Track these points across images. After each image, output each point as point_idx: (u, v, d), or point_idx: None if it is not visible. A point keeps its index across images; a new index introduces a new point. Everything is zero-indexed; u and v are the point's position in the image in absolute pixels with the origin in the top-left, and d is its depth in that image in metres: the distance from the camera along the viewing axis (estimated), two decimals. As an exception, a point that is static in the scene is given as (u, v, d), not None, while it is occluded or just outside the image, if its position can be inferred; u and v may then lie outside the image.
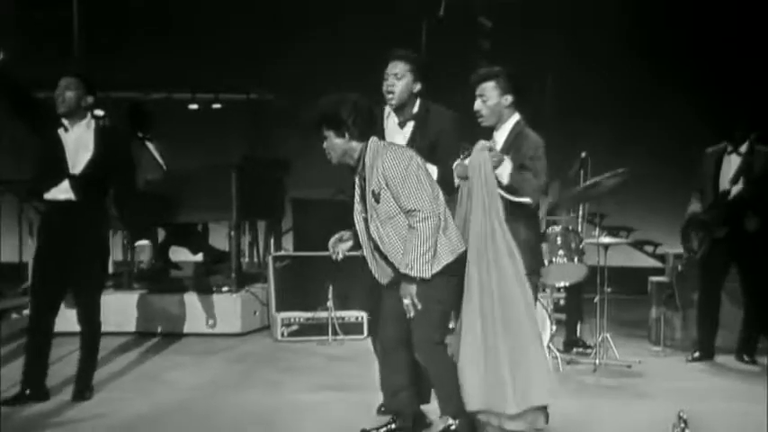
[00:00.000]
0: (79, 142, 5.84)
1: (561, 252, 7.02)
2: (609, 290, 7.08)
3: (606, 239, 7.11)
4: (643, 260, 11.18)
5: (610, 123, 11.04)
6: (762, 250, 7.08)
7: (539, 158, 5.02)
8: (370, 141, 4.74)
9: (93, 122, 5.94)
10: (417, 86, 5.18)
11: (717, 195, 7.21)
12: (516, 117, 5.12)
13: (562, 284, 7.19)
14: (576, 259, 7.02)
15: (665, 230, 10.74)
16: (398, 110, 5.25)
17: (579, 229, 7.41)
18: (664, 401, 5.91)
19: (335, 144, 4.72)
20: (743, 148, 7.15)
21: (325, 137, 4.73)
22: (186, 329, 8.26)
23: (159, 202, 8.39)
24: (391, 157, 4.67)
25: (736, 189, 7.12)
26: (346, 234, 5.01)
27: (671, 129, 10.82)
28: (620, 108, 11.23)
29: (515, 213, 4.94)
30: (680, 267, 7.79)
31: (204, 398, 6.08)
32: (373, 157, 4.71)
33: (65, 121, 5.86)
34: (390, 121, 5.29)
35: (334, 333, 8.03)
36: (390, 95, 5.17)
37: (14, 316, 9.46)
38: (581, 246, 7.08)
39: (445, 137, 5.15)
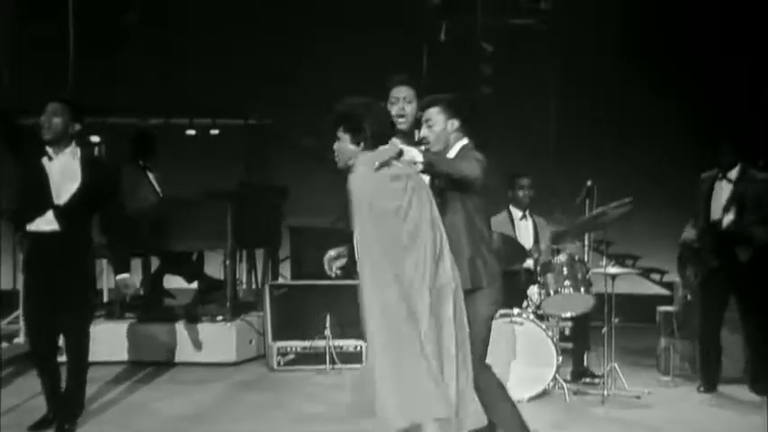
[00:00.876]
0: (65, 172, 5.68)
1: (567, 282, 6.89)
2: (616, 320, 6.89)
3: (613, 269, 6.93)
4: (650, 287, 11.00)
5: (615, 151, 10.91)
6: (758, 281, 6.87)
7: (464, 157, 4.84)
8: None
9: (78, 151, 5.77)
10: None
11: (707, 223, 7.04)
12: (464, 141, 4.96)
13: (567, 315, 6.99)
14: (582, 290, 6.87)
15: (672, 258, 10.55)
16: (408, 134, 5.08)
17: (585, 258, 7.24)
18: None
19: (347, 149, 4.55)
20: (732, 175, 6.95)
21: (338, 138, 4.57)
22: (180, 359, 8.07)
23: (153, 229, 8.27)
24: None
25: (728, 218, 6.92)
26: (342, 250, 4.89)
27: (676, 154, 10.68)
28: (625, 135, 11.09)
29: (456, 226, 4.76)
30: (688, 297, 7.59)
31: (192, 429, 5.93)
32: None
33: (49, 150, 5.69)
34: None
35: (332, 362, 7.84)
36: (402, 119, 5.06)
37: (4, 345, 9.30)
38: (587, 276, 6.93)
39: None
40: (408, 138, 5.05)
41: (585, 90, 10.89)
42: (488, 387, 4.75)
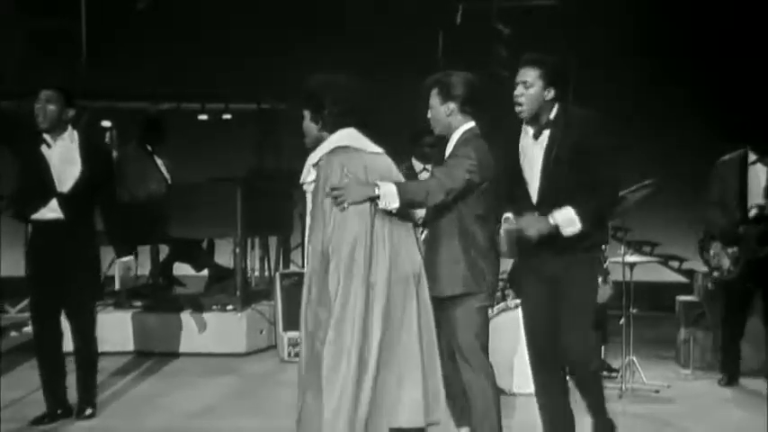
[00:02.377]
0: (64, 158, 5.66)
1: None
2: (634, 310, 6.73)
3: (632, 258, 6.75)
4: (669, 276, 10.85)
5: (633, 136, 10.71)
6: None
7: (455, 156, 4.64)
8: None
9: (76, 135, 5.75)
10: (551, 93, 4.59)
11: (745, 210, 6.83)
12: (467, 126, 4.72)
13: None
14: (600, 279, 6.63)
15: (691, 245, 10.38)
16: (532, 120, 4.71)
17: (603, 246, 7.04)
18: (696, 430, 5.60)
19: (309, 128, 4.43)
20: None
21: (302, 115, 4.46)
22: (188, 349, 7.95)
23: (161, 215, 8.16)
24: None
25: None
26: None
27: (695, 139, 10.50)
28: (642, 118, 10.90)
29: (434, 233, 4.67)
30: (710, 286, 7.39)
31: (201, 423, 5.84)
32: None
33: (47, 137, 5.66)
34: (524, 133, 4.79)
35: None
36: (519, 106, 4.62)
37: (13, 334, 9.24)
38: (605, 265, 6.73)
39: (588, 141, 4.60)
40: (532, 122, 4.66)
41: (601, 73, 10.71)
42: (481, 391, 4.66)
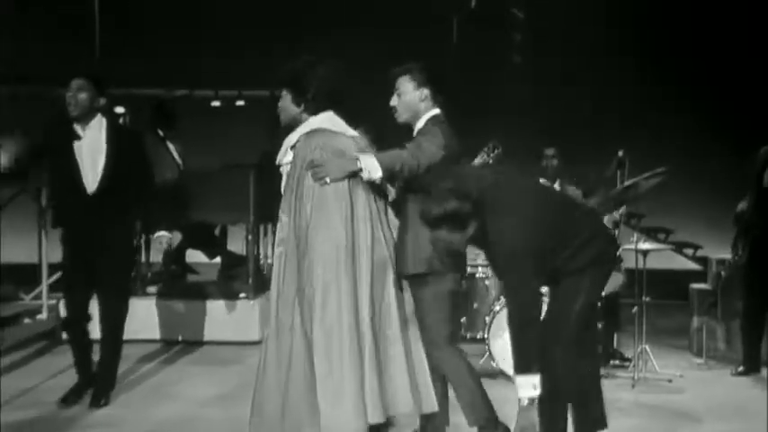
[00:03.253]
0: (93, 149, 5.72)
1: (597, 259, 6.60)
2: (647, 299, 6.68)
3: (645, 245, 6.70)
4: (683, 263, 10.78)
5: (648, 120, 10.67)
6: None
7: (423, 134, 4.67)
8: None
9: (104, 122, 5.80)
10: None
11: (759, 193, 6.83)
12: (433, 112, 4.77)
13: (597, 294, 6.77)
14: (612, 267, 6.60)
15: (706, 232, 10.34)
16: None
17: (616, 233, 7.00)
18: (709, 422, 5.57)
19: (288, 107, 4.48)
20: None
21: (280, 96, 4.53)
22: (201, 337, 7.97)
23: (173, 201, 8.15)
24: None
25: None
26: None
27: (711, 125, 10.43)
28: (658, 104, 10.84)
29: (402, 214, 4.69)
30: (723, 273, 7.36)
31: (212, 412, 5.84)
32: None
33: (77, 127, 5.72)
34: None
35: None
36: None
37: (27, 321, 9.27)
38: (618, 252, 6.66)
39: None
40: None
41: (617, 59, 10.65)
42: (454, 367, 4.66)
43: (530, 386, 4.04)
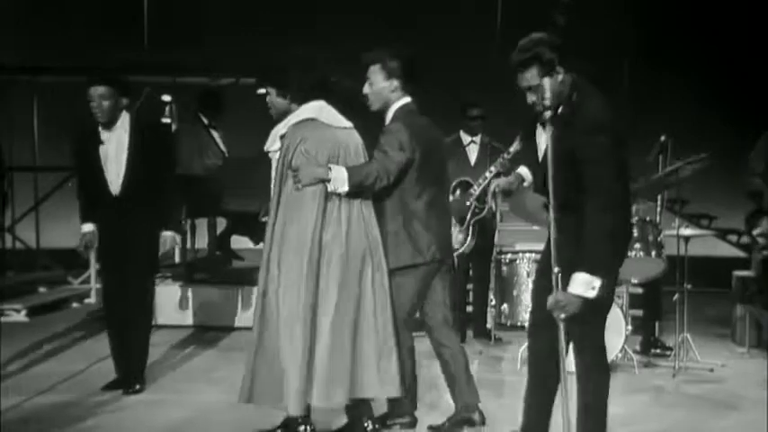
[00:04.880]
0: (118, 150, 5.80)
1: (638, 245, 6.58)
2: (689, 286, 6.61)
3: (687, 231, 6.62)
4: (726, 250, 10.64)
5: (691, 104, 10.53)
6: None
7: (385, 133, 4.73)
8: None
9: (128, 119, 5.85)
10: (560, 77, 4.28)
11: None
12: (403, 101, 4.82)
13: (637, 281, 6.74)
14: (653, 253, 6.57)
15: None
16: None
17: (657, 219, 6.95)
18: (750, 411, 5.49)
19: (276, 102, 4.74)
20: None
21: (267, 93, 4.75)
22: (243, 323, 7.95)
23: (218, 189, 8.24)
24: None
25: None
26: None
27: (755, 109, 10.25)
28: (701, 88, 10.69)
29: (379, 210, 4.81)
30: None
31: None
32: None
33: (102, 132, 5.80)
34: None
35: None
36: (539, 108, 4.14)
37: (75, 305, 9.45)
38: (659, 238, 6.63)
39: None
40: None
41: (661, 41, 10.52)
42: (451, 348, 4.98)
43: (587, 284, 3.90)
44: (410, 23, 10.53)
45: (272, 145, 4.70)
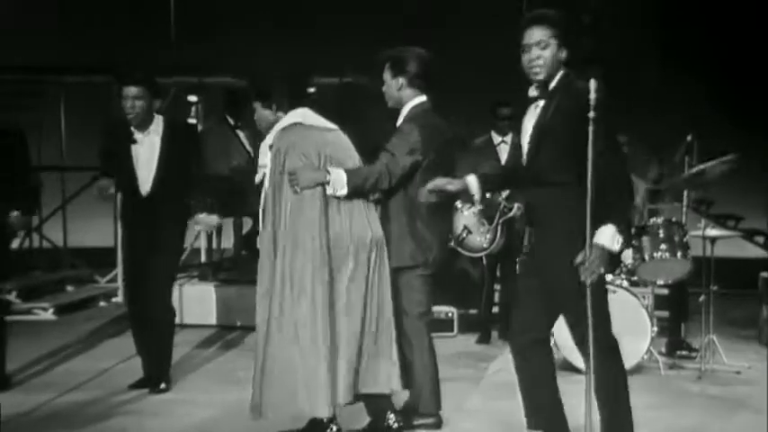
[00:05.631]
0: (149, 151, 5.84)
1: (663, 246, 6.53)
2: (715, 287, 6.56)
3: (713, 232, 6.57)
4: (753, 251, 10.55)
5: (717, 104, 10.44)
6: None
7: (398, 133, 4.82)
8: None
9: (161, 121, 5.89)
10: (563, 54, 4.21)
11: None
12: (416, 100, 4.89)
13: (663, 282, 6.72)
14: (679, 254, 6.52)
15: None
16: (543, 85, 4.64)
17: (683, 219, 6.92)
18: (777, 415, 5.44)
19: (262, 115, 4.83)
20: None
21: (253, 108, 4.86)
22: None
23: (244, 189, 8.27)
24: None
25: None
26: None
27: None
28: (728, 89, 10.60)
29: (384, 209, 4.88)
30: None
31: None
32: None
33: (135, 133, 5.84)
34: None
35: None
36: (536, 69, 4.16)
37: (102, 303, 9.53)
38: (685, 239, 6.59)
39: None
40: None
41: (686, 44, 10.44)
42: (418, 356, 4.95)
43: (612, 237, 3.95)
44: (439, 23, 10.53)
45: (264, 158, 4.77)
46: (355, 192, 4.61)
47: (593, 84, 3.87)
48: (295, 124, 4.71)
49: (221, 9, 11.42)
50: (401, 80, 4.86)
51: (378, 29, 10.71)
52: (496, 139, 7.49)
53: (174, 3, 11.06)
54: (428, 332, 4.99)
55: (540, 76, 4.08)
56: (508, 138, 7.43)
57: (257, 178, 4.85)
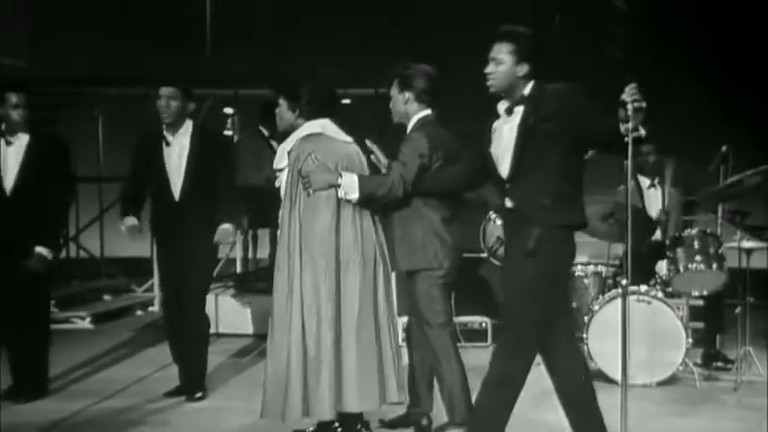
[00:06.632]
0: (180, 155, 5.89)
1: (698, 258, 6.54)
2: (751, 299, 6.52)
3: (749, 244, 6.52)
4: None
5: (753, 115, 10.35)
6: None
7: (406, 141, 4.94)
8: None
9: (190, 127, 5.96)
10: (524, 69, 4.46)
11: None
12: (421, 114, 5.02)
13: (698, 293, 6.68)
14: (714, 266, 6.51)
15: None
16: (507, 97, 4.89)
17: (718, 231, 6.88)
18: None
19: (285, 115, 4.88)
20: None
21: (278, 104, 4.89)
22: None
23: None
24: None
25: None
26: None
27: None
28: (763, 99, 10.50)
29: (391, 215, 4.97)
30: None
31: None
32: None
33: (167, 135, 5.90)
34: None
35: (457, 340, 7.70)
36: (490, 81, 4.50)
37: (139, 312, 9.62)
38: (720, 251, 6.56)
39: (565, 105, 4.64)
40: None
41: (720, 53, 10.37)
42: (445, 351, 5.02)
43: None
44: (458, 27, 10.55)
45: (281, 162, 4.84)
46: (367, 198, 4.71)
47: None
48: (315, 134, 4.77)
49: (257, 21, 11.51)
50: (408, 95, 5.00)
51: (417, 43, 10.80)
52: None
53: (209, 15, 11.18)
54: (453, 341, 5.05)
55: (493, 89, 4.34)
56: None
57: (276, 183, 4.91)
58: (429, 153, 4.88)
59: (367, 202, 4.73)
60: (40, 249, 5.81)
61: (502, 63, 4.30)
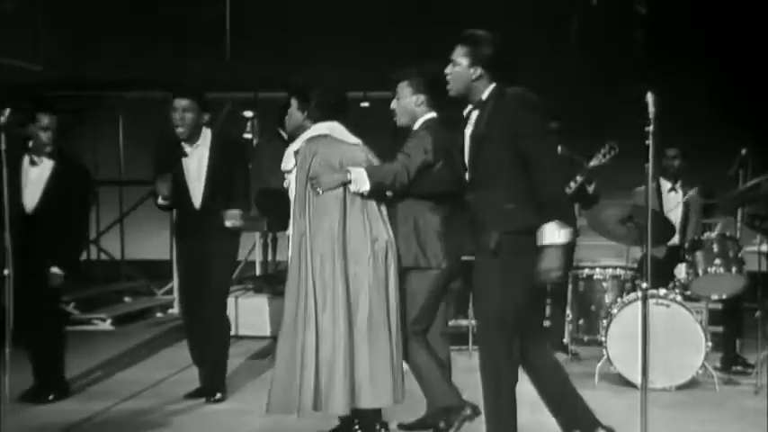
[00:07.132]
0: (199, 164, 5.92)
1: (717, 261, 6.52)
2: (771, 303, 6.49)
3: (768, 247, 6.51)
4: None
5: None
6: None
7: (412, 137, 5.02)
8: None
9: (209, 135, 5.98)
10: (477, 72, 4.48)
11: None
12: (427, 116, 5.09)
13: (717, 297, 6.66)
14: (733, 269, 6.49)
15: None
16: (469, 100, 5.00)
17: (738, 234, 6.85)
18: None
19: (294, 115, 5.00)
20: None
21: (289, 104, 5.01)
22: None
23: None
24: None
25: None
26: None
27: None
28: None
29: (392, 216, 5.00)
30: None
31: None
32: None
33: (185, 146, 5.92)
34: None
35: (475, 342, 7.70)
36: (447, 82, 4.60)
37: (159, 315, 9.67)
38: (739, 254, 6.54)
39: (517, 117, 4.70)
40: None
41: (741, 52, 10.32)
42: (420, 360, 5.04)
43: (554, 232, 4.19)
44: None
45: (288, 163, 4.90)
46: (377, 187, 4.78)
47: (650, 98, 4.07)
48: (321, 135, 4.84)
49: (276, 25, 11.54)
50: (422, 97, 5.07)
51: (427, 44, 10.78)
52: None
53: (229, 19, 11.23)
54: (425, 338, 5.09)
55: (451, 91, 4.44)
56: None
57: (285, 184, 4.97)
58: (433, 150, 4.94)
59: (377, 192, 4.80)
60: (55, 270, 5.87)
61: (458, 65, 4.39)
